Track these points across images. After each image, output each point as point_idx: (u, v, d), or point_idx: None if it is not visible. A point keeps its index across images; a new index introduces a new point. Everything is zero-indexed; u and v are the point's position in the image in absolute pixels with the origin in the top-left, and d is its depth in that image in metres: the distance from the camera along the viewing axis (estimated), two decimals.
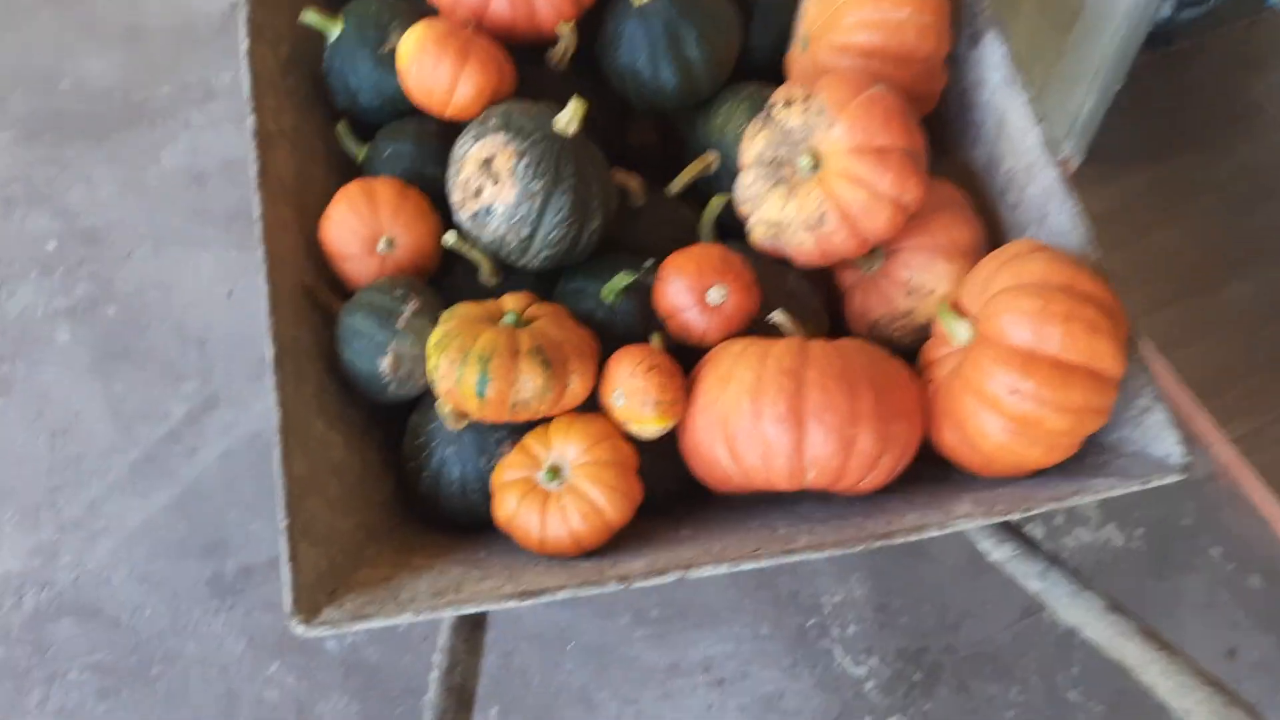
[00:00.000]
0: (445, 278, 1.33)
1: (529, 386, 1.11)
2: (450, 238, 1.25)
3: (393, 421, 1.29)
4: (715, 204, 1.29)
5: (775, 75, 1.47)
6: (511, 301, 1.19)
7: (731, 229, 1.33)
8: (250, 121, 1.27)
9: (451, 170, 1.24)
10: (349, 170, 1.41)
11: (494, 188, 1.20)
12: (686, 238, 1.35)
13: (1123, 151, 2.12)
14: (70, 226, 2.12)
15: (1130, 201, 2.12)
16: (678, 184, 1.38)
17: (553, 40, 1.37)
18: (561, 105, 1.26)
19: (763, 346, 1.13)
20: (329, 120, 1.43)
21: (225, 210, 2.11)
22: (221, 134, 2.20)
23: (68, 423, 1.92)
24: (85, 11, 2.36)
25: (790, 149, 1.22)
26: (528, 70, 1.37)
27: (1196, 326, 1.96)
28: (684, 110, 1.43)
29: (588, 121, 1.35)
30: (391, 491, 1.26)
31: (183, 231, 2.11)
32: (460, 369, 1.10)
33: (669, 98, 1.38)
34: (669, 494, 1.23)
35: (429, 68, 1.25)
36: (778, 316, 1.19)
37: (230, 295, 2.03)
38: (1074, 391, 1.05)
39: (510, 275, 1.31)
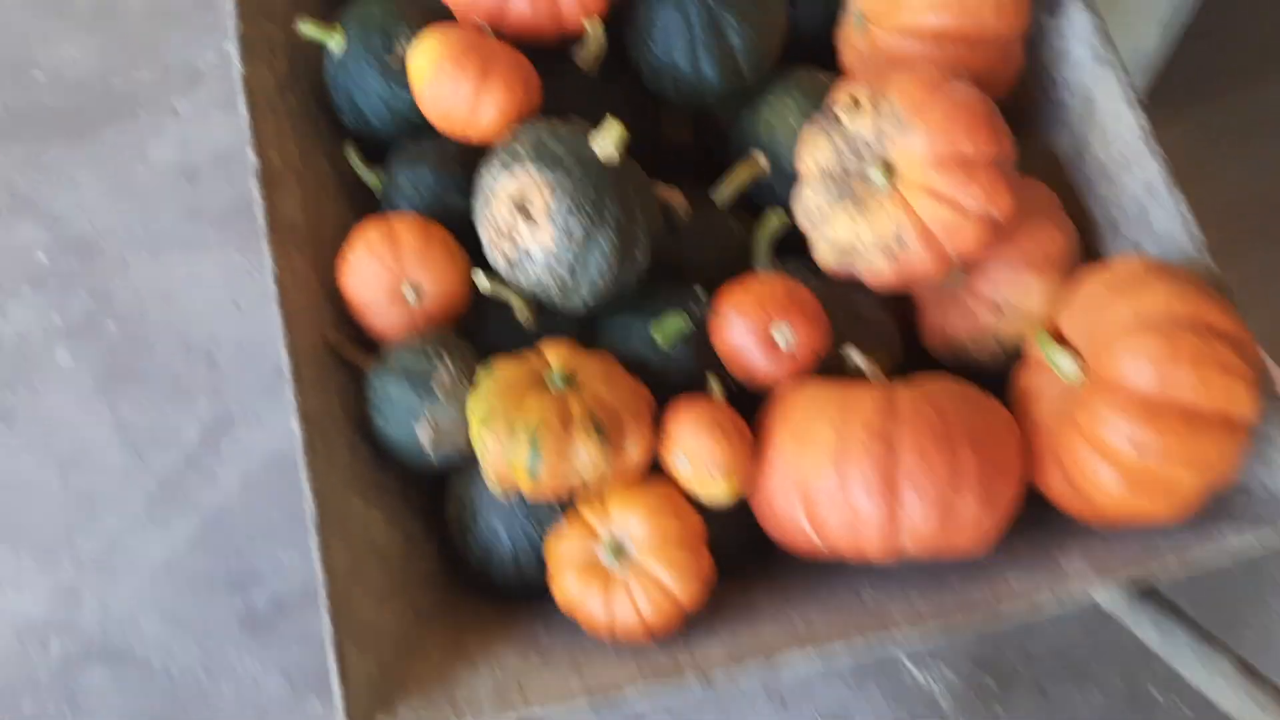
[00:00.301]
0: (478, 318, 1.19)
1: (584, 461, 0.99)
2: (483, 281, 1.12)
3: (433, 480, 1.17)
4: (771, 224, 1.16)
5: (823, 53, 1.32)
6: (555, 357, 1.06)
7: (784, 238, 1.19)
8: (252, 161, 1.14)
9: (479, 203, 1.11)
10: (361, 193, 1.27)
11: (530, 230, 1.06)
12: (735, 253, 1.22)
13: (1188, 89, 1.95)
14: (59, 236, 1.98)
15: (1198, 141, 1.96)
16: (724, 193, 1.24)
17: (578, 38, 1.22)
18: (593, 117, 1.12)
19: (842, 398, 1.01)
20: (336, 139, 1.28)
21: (221, 208, 1.97)
22: (210, 123, 2.05)
23: (77, 453, 1.81)
24: None
25: (858, 159, 1.08)
26: (552, 72, 1.22)
27: (1274, 278, 1.82)
28: (726, 102, 1.28)
29: (617, 109, 1.21)
30: (436, 561, 1.15)
31: (179, 234, 1.97)
32: (509, 447, 0.98)
33: (710, 92, 1.24)
34: (739, 548, 1.12)
35: (446, 90, 1.10)
36: (854, 357, 1.06)
37: (235, 302, 1.90)
38: (1206, 443, 0.93)
39: (547, 311, 1.18)
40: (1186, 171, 1.97)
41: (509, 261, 1.09)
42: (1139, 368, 0.94)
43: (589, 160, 1.08)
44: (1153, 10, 1.75)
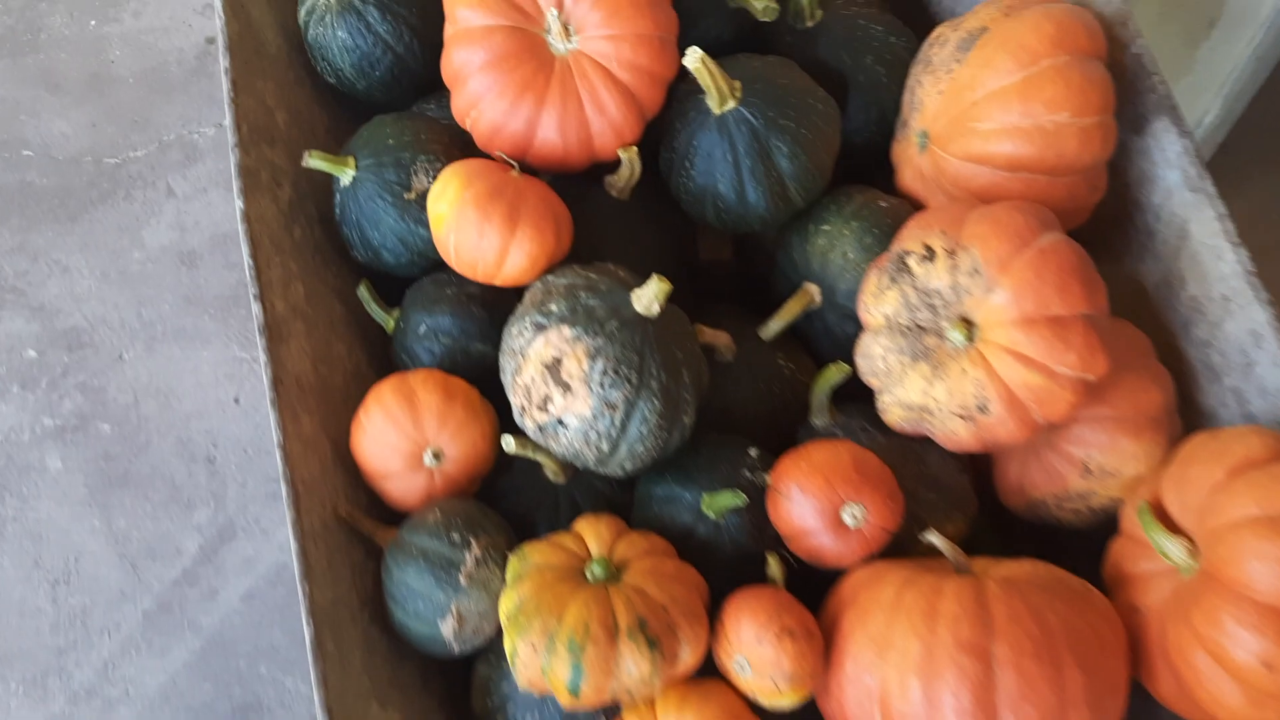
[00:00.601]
0: (503, 475, 1.08)
1: (632, 674, 0.87)
2: (511, 446, 1.00)
3: (456, 661, 1.06)
4: (830, 377, 1.04)
5: (876, 162, 1.20)
6: (595, 541, 0.95)
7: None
8: (256, 311, 1.02)
9: (507, 362, 0.99)
10: (373, 330, 1.15)
11: (565, 398, 0.95)
12: (786, 396, 1.10)
13: (1248, 162, 1.83)
14: (50, 328, 1.87)
15: (1258, 217, 1.83)
16: (772, 328, 1.12)
17: (610, 163, 1.10)
18: (625, 243, 1.01)
19: (926, 598, 0.89)
20: (347, 273, 1.17)
21: (221, 296, 1.86)
22: (209, 203, 1.93)
23: (69, 568, 1.70)
24: (41, 62, 2.08)
25: (933, 314, 0.96)
26: (581, 198, 1.11)
27: None
28: (772, 226, 1.16)
29: (651, 232, 1.10)
30: None
31: (176, 325, 1.86)
32: (547, 659, 0.86)
33: (757, 220, 1.12)
34: None
35: (471, 238, 0.99)
36: (935, 542, 0.94)
37: (236, 399, 1.78)
38: None
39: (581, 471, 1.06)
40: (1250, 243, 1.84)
41: (540, 428, 0.98)
42: (1268, 575, 0.82)
43: (629, 320, 0.96)
44: (1219, 86, 1.63)
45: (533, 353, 0.96)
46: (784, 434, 1.11)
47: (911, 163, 1.14)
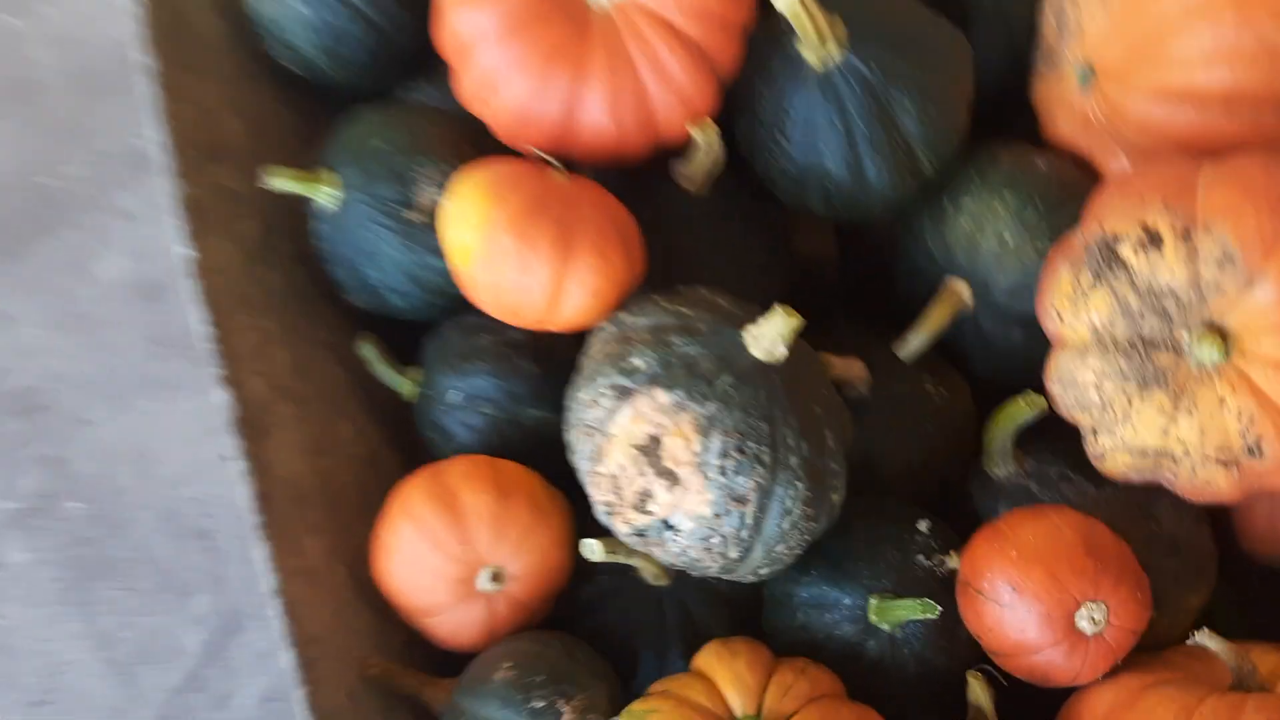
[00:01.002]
0: (585, 582, 0.81)
1: None
2: (597, 553, 0.73)
3: None
4: (1017, 414, 0.76)
5: (1005, 108, 0.92)
6: (735, 689, 0.68)
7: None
8: (223, 400, 0.74)
9: (579, 440, 0.72)
10: (385, 398, 0.87)
11: (671, 492, 0.67)
12: (939, 434, 0.84)
13: None
14: None
15: None
16: (913, 344, 0.84)
17: (677, 149, 0.82)
18: (708, 254, 0.74)
19: None
20: (344, 322, 0.89)
21: (194, 331, 1.56)
22: (165, 221, 1.63)
23: (48, 686, 1.43)
24: None
25: (1166, 322, 0.69)
26: (643, 199, 0.82)
27: None
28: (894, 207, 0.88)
29: (742, 234, 0.83)
30: None
31: (146, 373, 1.57)
32: None
33: (877, 201, 0.84)
34: None
35: (510, 275, 0.71)
36: (1212, 645, 0.67)
37: (224, 455, 1.49)
38: None
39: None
40: None
41: (638, 532, 0.70)
42: None
43: (747, 372, 0.68)
44: None
45: (617, 430, 0.68)
46: (945, 486, 0.84)
47: (1068, 106, 0.86)
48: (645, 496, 0.69)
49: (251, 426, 0.75)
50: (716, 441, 0.67)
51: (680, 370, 0.69)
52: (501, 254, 0.71)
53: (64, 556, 1.49)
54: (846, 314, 0.92)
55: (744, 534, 0.69)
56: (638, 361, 0.70)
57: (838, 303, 0.98)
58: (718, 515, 0.68)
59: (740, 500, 0.68)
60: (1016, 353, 0.85)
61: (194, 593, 1.46)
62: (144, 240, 1.66)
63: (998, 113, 0.91)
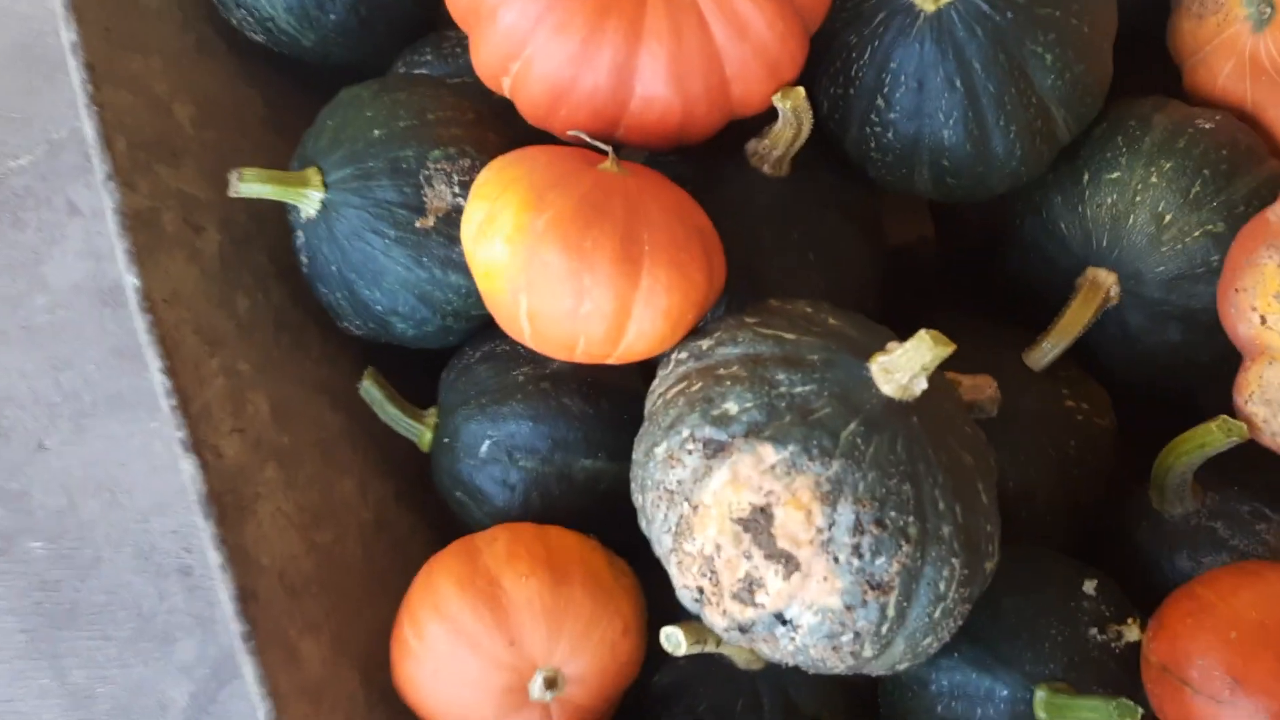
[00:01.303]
0: (660, 668, 0.65)
1: None
2: (681, 646, 0.57)
3: None
4: (1209, 439, 0.60)
5: (1137, 49, 0.75)
6: None
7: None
8: (188, 469, 0.58)
9: (653, 505, 0.56)
10: (393, 443, 0.70)
11: (788, 578, 0.51)
12: (1084, 459, 0.69)
13: None
14: None
15: None
16: (1047, 351, 0.68)
17: (751, 123, 0.65)
18: (794, 249, 0.62)
19: None
20: (336, 351, 0.72)
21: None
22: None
23: None
24: None
25: None
26: (711, 189, 0.66)
27: None
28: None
29: (834, 225, 0.67)
30: None
31: (109, 390, 1.42)
32: None
33: (1003, 180, 0.68)
34: None
35: (560, 300, 0.54)
36: None
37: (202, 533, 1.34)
38: None
39: None
40: None
41: (738, 626, 0.54)
42: None
43: (878, 415, 0.52)
44: None
45: (711, 499, 0.52)
46: (1091, 523, 0.68)
47: (1232, 50, 0.69)
48: (752, 584, 0.52)
49: (227, 505, 0.58)
50: (847, 513, 0.51)
51: (790, 417, 0.52)
52: (546, 274, 0.54)
53: (27, 603, 1.34)
54: (953, 310, 0.76)
55: (884, 629, 0.52)
56: (732, 406, 0.53)
57: (936, 295, 0.81)
58: (850, 608, 0.52)
59: (880, 588, 0.52)
60: (1171, 354, 0.70)
61: (178, 638, 1.32)
62: (102, 238, 1.49)
63: (1128, 63, 0.74)
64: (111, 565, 1.35)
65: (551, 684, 0.58)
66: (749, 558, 0.52)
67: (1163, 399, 0.75)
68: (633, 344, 0.57)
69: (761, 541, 0.52)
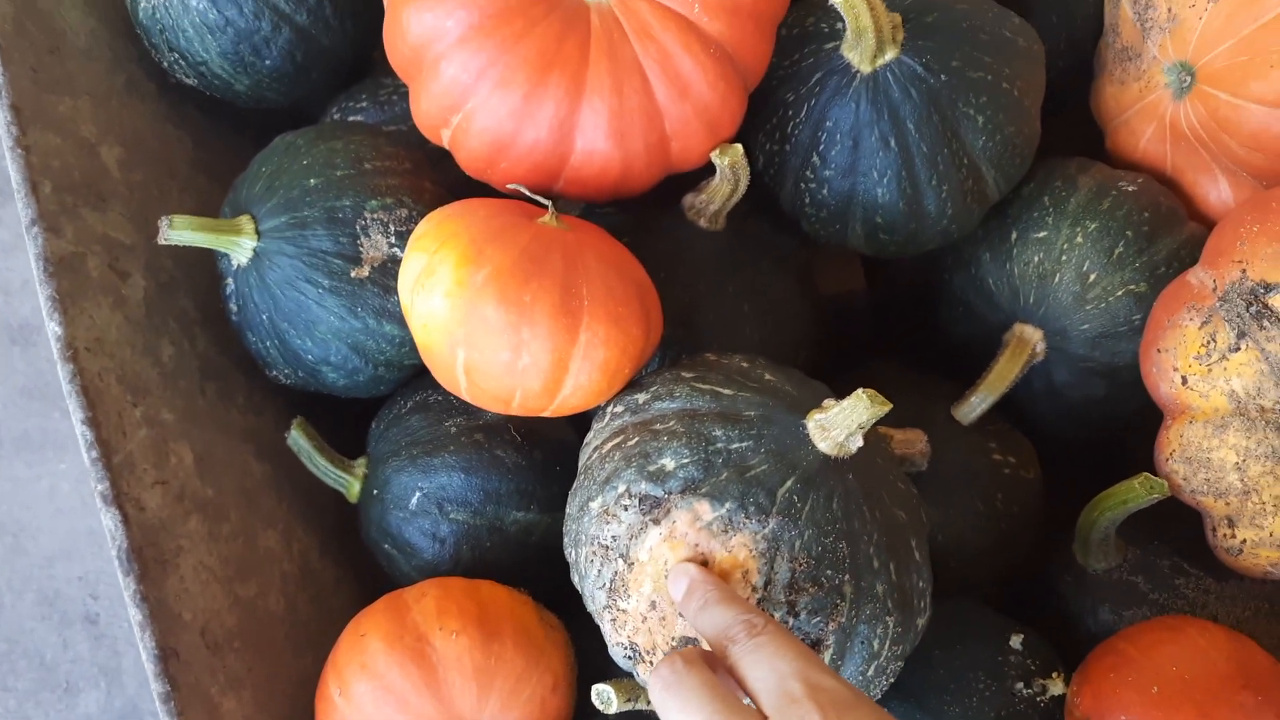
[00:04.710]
0: None
1: None
2: (612, 704, 0.56)
3: None
4: (1130, 496, 0.62)
5: (1065, 112, 0.78)
6: None
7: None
8: (109, 523, 0.56)
9: (586, 562, 0.56)
10: (319, 492, 0.69)
11: None
12: (1011, 511, 0.70)
13: None
14: None
15: None
16: (975, 406, 0.70)
17: (689, 176, 0.65)
18: (727, 300, 0.63)
19: None
20: (262, 398, 0.70)
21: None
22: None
23: None
24: None
25: None
26: (648, 241, 0.66)
27: None
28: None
29: (767, 278, 0.68)
30: None
31: (16, 430, 1.37)
32: None
33: (934, 238, 0.70)
34: None
35: (498, 354, 0.54)
36: None
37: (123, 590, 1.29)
38: None
39: None
40: None
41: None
42: None
43: (815, 473, 0.53)
44: None
45: (646, 555, 0.52)
46: (1020, 575, 0.70)
47: (1153, 115, 0.72)
48: (687, 642, 0.52)
49: (148, 560, 0.56)
50: (783, 571, 0.51)
51: (728, 473, 0.52)
52: (485, 328, 0.53)
53: None
54: (886, 362, 0.77)
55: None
56: (669, 462, 0.53)
57: (872, 346, 0.82)
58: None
59: (815, 646, 0.52)
60: (1096, 409, 0.72)
61: (82, 689, 1.27)
62: (11, 273, 1.44)
63: (1052, 124, 0.76)
64: (13, 612, 1.29)
65: None
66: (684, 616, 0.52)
67: (1090, 451, 0.76)
68: (569, 397, 0.57)
69: None
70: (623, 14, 0.59)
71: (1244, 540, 0.59)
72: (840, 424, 0.53)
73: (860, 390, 0.52)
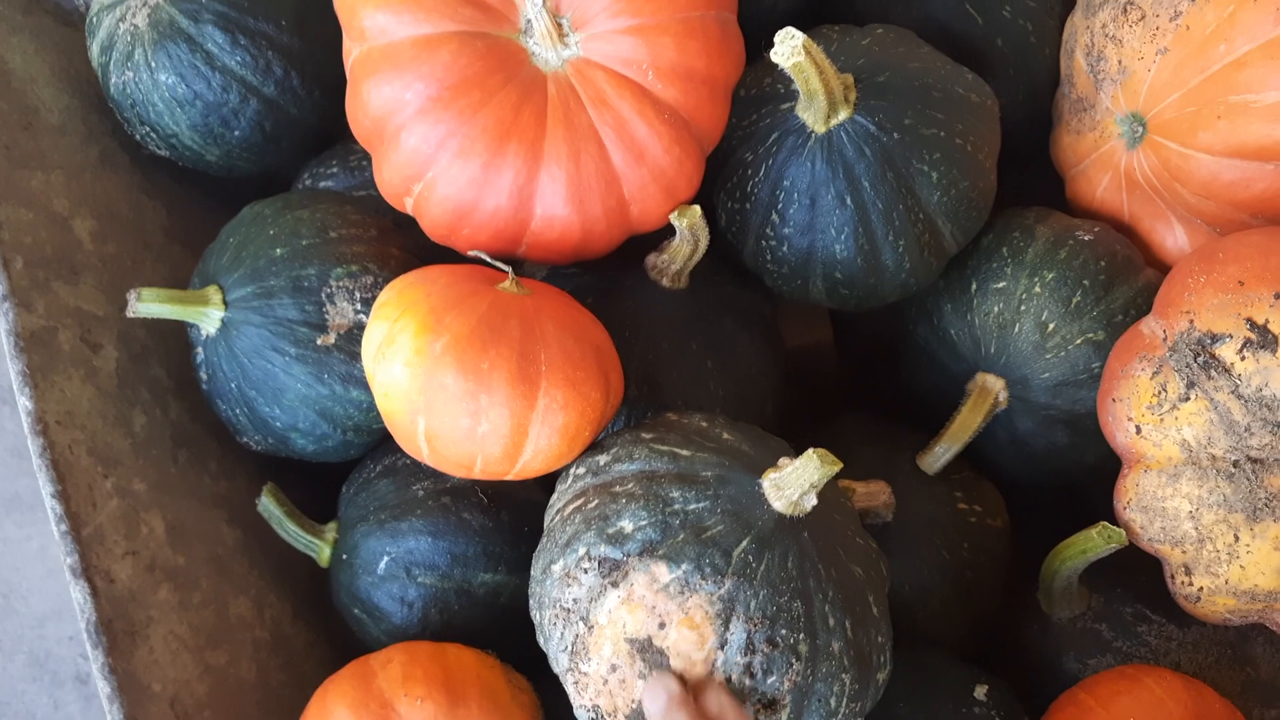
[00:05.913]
0: None
1: None
2: None
3: None
4: (1089, 546, 0.62)
5: (1025, 164, 0.79)
6: None
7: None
8: (79, 597, 0.57)
9: (550, 624, 0.56)
10: (291, 557, 0.69)
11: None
12: (977, 561, 0.71)
13: None
14: None
15: None
16: (939, 456, 0.70)
17: (650, 237, 0.67)
18: (691, 362, 0.62)
19: None
20: (235, 465, 0.71)
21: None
22: None
23: None
24: None
25: (1277, 437, 0.55)
26: (609, 301, 0.67)
27: None
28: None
29: (729, 336, 0.69)
30: None
31: (5, 491, 1.38)
32: None
33: (894, 291, 0.70)
34: None
35: (458, 421, 0.55)
36: None
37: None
38: None
39: None
40: None
41: None
42: None
43: (769, 533, 0.54)
44: None
45: (605, 618, 0.52)
46: (987, 625, 0.70)
47: (1107, 165, 0.73)
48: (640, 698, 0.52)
49: (117, 632, 0.57)
50: (739, 632, 0.52)
51: (684, 535, 0.53)
52: (444, 396, 0.54)
53: None
54: (852, 413, 0.78)
55: None
56: (627, 524, 0.54)
57: (839, 397, 0.83)
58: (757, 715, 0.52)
59: (771, 705, 0.52)
60: (1059, 456, 0.73)
61: None
62: None
63: (1014, 174, 0.78)
64: (4, 673, 1.29)
65: None
66: (644, 678, 0.52)
67: (1057, 499, 0.77)
68: (530, 462, 0.58)
69: (655, 662, 0.52)
70: (579, 83, 0.60)
71: (1201, 588, 0.60)
72: (793, 483, 0.54)
73: (811, 450, 0.53)
